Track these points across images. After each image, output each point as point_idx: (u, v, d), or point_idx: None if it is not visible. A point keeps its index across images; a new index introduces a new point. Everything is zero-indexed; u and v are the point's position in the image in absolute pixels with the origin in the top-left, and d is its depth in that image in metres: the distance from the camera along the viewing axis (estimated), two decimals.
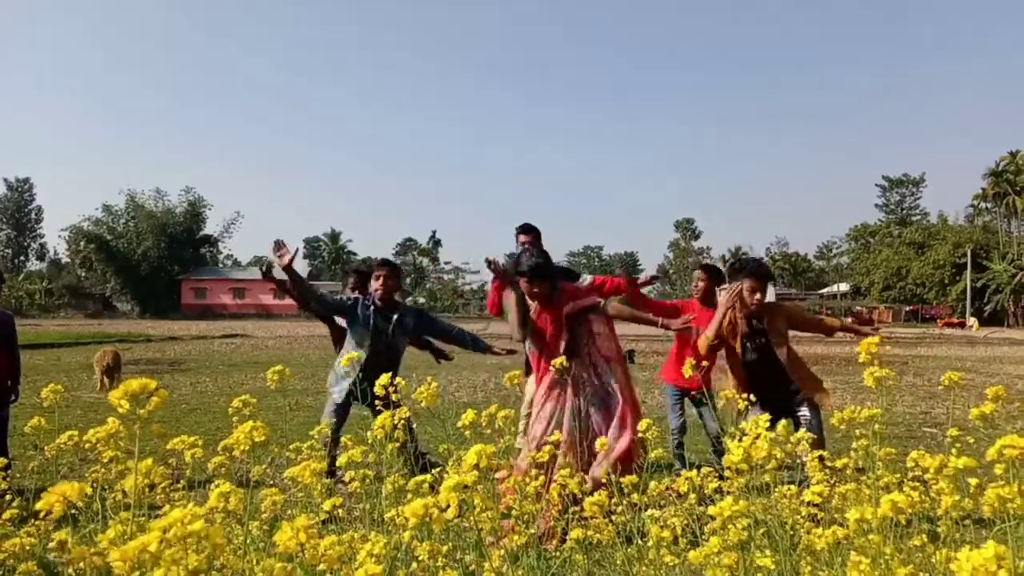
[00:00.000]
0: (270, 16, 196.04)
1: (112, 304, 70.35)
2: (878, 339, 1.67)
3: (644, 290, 5.80)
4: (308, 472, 1.50)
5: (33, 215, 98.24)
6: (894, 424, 9.16)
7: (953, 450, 1.61)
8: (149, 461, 1.15)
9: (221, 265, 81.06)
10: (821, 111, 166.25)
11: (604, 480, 2.38)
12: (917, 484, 1.69)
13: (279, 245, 5.10)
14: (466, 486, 1.18)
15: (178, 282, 68.88)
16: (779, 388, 4.75)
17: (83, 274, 72.35)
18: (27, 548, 1.61)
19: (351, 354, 3.97)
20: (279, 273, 5.31)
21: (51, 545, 1.83)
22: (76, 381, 13.36)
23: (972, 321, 53.33)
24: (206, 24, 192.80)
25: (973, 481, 1.36)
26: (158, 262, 66.68)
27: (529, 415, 4.71)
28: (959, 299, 65.59)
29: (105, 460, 2.01)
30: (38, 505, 1.05)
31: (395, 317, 5.29)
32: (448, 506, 1.14)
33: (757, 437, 1.38)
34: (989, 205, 75.53)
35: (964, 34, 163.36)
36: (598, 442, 2.62)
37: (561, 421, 4.29)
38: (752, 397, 3.02)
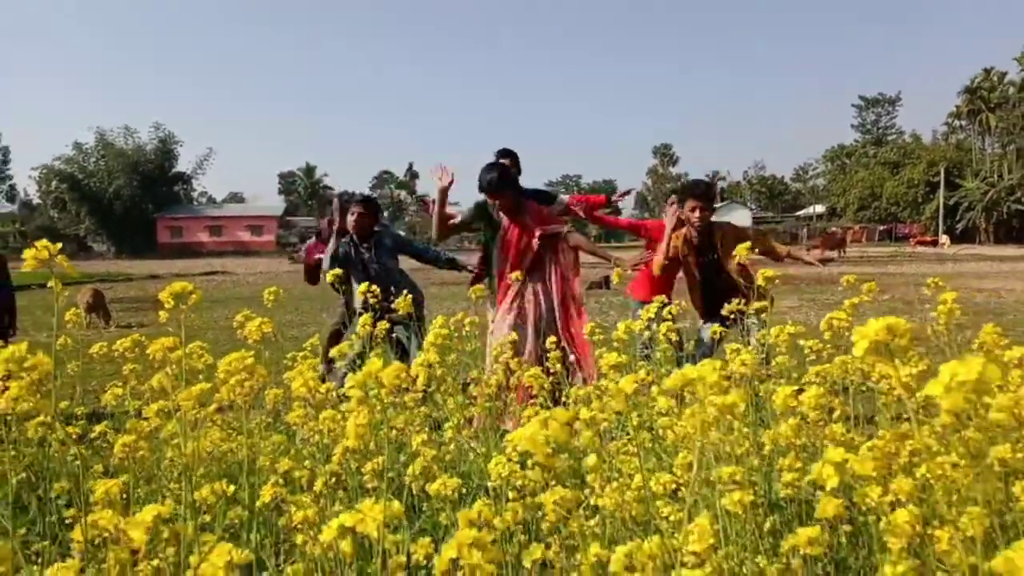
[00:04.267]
0: None
1: (87, 244, 69.65)
2: (746, 248, 2.02)
3: (624, 214, 5.93)
4: (306, 367, 1.84)
5: (0, 156, 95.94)
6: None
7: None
8: (182, 350, 1.49)
9: (196, 203, 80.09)
10: (797, 32, 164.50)
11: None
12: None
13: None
14: (431, 365, 1.54)
15: (153, 221, 68.18)
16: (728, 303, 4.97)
17: (56, 215, 71.29)
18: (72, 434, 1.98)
19: (336, 270, 4.20)
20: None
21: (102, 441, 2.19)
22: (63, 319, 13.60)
23: (944, 239, 54.22)
24: None
25: (806, 343, 1.73)
26: (131, 201, 65.83)
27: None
28: (932, 217, 66.42)
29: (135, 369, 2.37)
30: (150, 349, 1.40)
31: (373, 240, 5.60)
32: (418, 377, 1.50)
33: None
34: (964, 123, 75.75)
35: None
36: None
37: (524, 336, 4.65)
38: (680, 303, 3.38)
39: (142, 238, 66.16)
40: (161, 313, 1.45)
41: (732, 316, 3.22)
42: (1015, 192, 62.25)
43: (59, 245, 1.17)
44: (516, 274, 4.05)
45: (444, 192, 4.93)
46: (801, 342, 1.92)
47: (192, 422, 1.31)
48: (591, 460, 0.92)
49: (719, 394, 0.85)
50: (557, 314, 4.79)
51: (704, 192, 5.06)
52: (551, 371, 2.50)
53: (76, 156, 67.30)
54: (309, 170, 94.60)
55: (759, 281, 2.09)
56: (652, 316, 2.83)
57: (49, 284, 1.13)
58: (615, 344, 1.91)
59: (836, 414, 1.85)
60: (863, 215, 75.14)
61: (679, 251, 5.10)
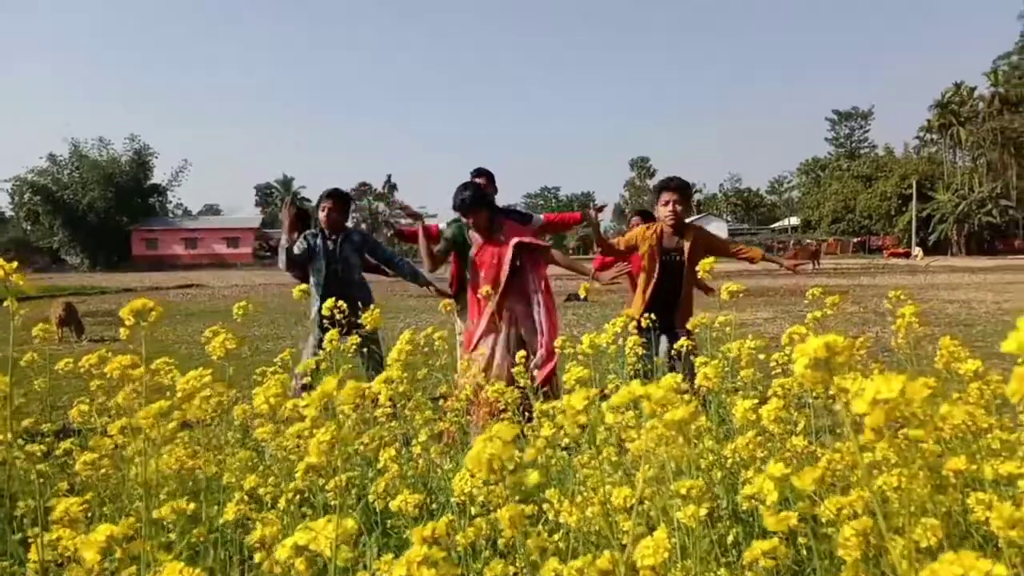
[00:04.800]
0: None
1: (61, 257, 68.70)
2: (711, 263, 2.06)
3: (601, 227, 5.72)
4: (274, 382, 1.83)
5: None
6: None
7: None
8: (143, 368, 1.48)
9: (171, 215, 79.38)
10: (774, 45, 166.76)
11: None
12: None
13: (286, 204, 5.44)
14: (393, 380, 1.54)
15: (128, 233, 67.50)
16: (672, 311, 4.82)
17: (29, 227, 70.34)
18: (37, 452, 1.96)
19: (301, 286, 4.20)
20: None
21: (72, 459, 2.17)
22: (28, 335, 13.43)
23: (917, 251, 55.06)
24: None
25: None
26: (106, 213, 65.08)
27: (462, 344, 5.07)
28: (905, 230, 67.46)
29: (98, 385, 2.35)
30: (107, 368, 1.39)
31: (341, 236, 5.53)
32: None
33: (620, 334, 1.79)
34: (935, 136, 77.02)
35: None
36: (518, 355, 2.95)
37: (494, 353, 4.67)
38: (652, 316, 3.42)
39: (117, 250, 65.47)
40: (122, 330, 1.45)
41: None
42: (986, 204, 63.40)
43: (15, 264, 1.16)
44: (485, 289, 4.06)
45: (423, 229, 5.09)
46: (762, 356, 1.95)
47: (154, 440, 1.30)
48: (533, 477, 0.93)
49: (670, 409, 0.86)
50: (544, 327, 4.79)
51: (678, 186, 4.96)
52: (522, 386, 2.51)
53: (50, 168, 66.49)
54: (286, 182, 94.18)
55: (723, 295, 2.12)
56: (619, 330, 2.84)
57: (5, 303, 1.13)
58: (580, 357, 1.94)
59: (800, 427, 1.87)
60: (837, 227, 76.12)
61: (639, 241, 4.98)
